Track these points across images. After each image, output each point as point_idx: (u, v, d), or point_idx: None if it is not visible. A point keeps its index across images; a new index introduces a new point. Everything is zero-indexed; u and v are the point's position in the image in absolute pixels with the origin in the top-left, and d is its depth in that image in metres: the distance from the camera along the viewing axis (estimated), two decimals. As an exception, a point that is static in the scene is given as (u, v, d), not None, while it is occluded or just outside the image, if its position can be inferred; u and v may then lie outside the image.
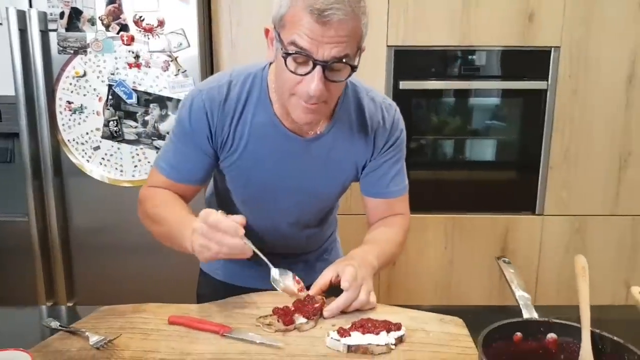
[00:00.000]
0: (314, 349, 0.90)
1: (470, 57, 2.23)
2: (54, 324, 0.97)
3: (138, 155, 2.02)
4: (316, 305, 0.98)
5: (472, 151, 2.40)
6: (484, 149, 2.40)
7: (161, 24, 1.93)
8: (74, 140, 2.02)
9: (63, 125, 2.00)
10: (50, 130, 1.97)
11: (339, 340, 0.90)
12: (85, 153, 2.02)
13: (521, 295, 0.98)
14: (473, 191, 2.37)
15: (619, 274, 2.36)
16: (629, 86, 2.21)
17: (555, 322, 0.86)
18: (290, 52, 0.93)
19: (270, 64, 1.09)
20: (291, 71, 0.95)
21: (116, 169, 2.03)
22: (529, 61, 2.22)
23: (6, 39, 1.87)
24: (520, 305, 0.96)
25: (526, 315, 0.94)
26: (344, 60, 0.94)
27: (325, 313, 0.99)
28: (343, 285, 1.00)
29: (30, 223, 2.00)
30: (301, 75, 0.95)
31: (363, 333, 0.91)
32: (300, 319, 0.96)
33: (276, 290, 1.04)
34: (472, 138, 2.35)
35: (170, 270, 2.03)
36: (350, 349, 0.89)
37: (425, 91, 2.25)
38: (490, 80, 2.26)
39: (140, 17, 1.92)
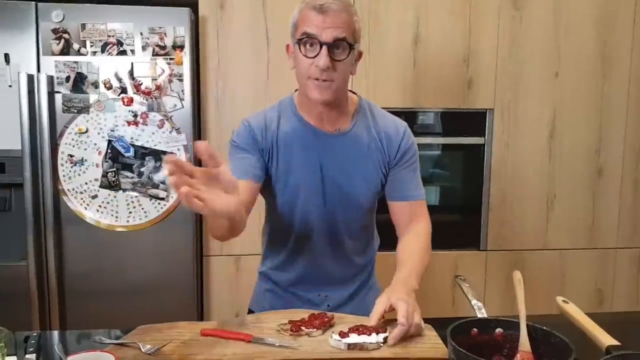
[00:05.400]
0: (322, 347, 1.15)
1: (421, 116, 2.57)
2: (105, 339, 1.18)
3: (133, 202, 2.21)
4: (325, 319, 1.24)
5: (423, 196, 2.74)
6: (434, 195, 2.71)
7: (158, 88, 2.18)
8: (73, 189, 2.18)
9: (64, 176, 2.17)
10: (52, 180, 2.13)
11: (340, 340, 1.15)
12: (84, 201, 2.19)
13: (475, 302, 1.27)
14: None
15: (551, 300, 2.70)
16: (551, 140, 2.61)
17: (501, 319, 1.14)
18: (302, 38, 1.25)
19: (296, 90, 1.40)
20: (304, 55, 1.26)
21: (112, 215, 2.20)
22: (469, 120, 2.58)
23: (16, 99, 2.04)
24: (475, 310, 1.25)
25: (480, 316, 1.23)
26: (343, 41, 1.24)
27: (390, 341, 1.16)
28: (400, 321, 1.16)
29: (29, 267, 2.11)
30: (312, 57, 1.25)
31: (358, 334, 1.17)
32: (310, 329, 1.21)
33: None
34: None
35: (164, 313, 2.14)
36: (349, 346, 1.14)
37: (383, 145, 2.60)
38: (437, 137, 2.60)
39: (140, 82, 2.17)
